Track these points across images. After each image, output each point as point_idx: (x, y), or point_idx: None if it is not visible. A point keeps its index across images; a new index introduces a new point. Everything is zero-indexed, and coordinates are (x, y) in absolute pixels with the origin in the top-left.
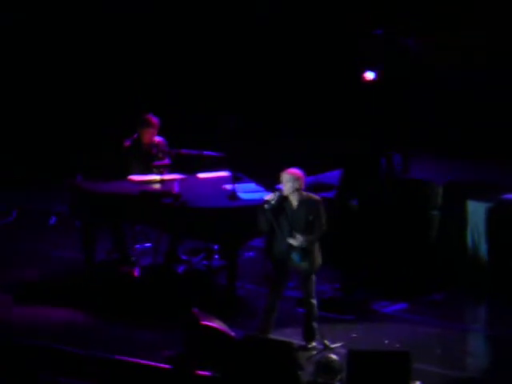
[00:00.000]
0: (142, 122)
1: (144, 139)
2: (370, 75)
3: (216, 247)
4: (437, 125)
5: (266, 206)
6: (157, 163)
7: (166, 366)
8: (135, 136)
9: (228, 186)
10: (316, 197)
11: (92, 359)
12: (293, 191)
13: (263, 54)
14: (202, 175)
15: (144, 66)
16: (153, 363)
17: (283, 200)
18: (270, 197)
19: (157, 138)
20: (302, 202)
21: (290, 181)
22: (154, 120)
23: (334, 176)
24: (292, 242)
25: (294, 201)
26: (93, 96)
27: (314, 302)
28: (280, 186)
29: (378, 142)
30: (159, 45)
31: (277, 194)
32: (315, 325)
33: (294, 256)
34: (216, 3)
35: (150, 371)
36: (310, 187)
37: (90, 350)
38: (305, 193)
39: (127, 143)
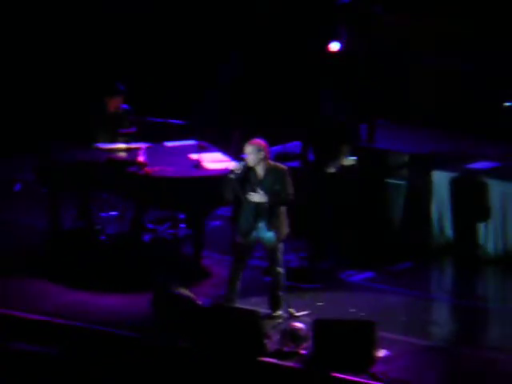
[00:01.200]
0: (108, 89)
1: (110, 107)
2: (335, 46)
3: (182, 216)
4: (402, 95)
5: (231, 175)
6: (122, 131)
7: (131, 334)
8: (101, 103)
9: (194, 155)
10: (282, 166)
11: (54, 324)
12: (258, 162)
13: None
14: (168, 144)
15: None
16: (117, 331)
17: (249, 170)
18: (235, 166)
19: (123, 106)
20: (268, 171)
21: (253, 152)
22: (121, 88)
23: (293, 146)
24: (253, 197)
25: (260, 171)
26: (58, 60)
27: (281, 270)
28: (246, 155)
29: (346, 111)
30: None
31: (242, 163)
32: (281, 293)
33: (261, 225)
34: None
35: (114, 338)
36: (277, 157)
37: (54, 316)
38: (271, 162)
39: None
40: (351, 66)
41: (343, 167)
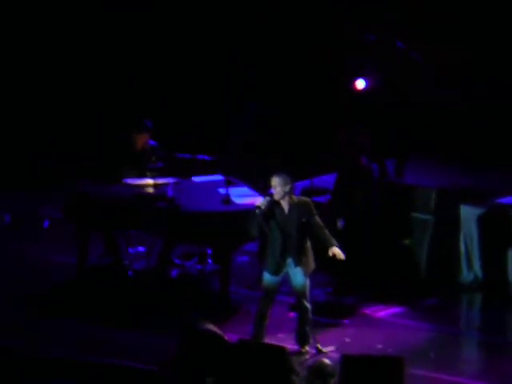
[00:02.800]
0: (135, 126)
1: (138, 144)
2: (361, 84)
3: (209, 251)
4: (430, 131)
5: (256, 211)
6: (150, 167)
7: (157, 370)
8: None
9: (221, 190)
10: (306, 198)
11: (85, 363)
12: (283, 195)
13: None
14: (195, 179)
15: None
16: (147, 367)
17: (274, 205)
18: (260, 202)
19: (150, 142)
20: (294, 205)
21: (280, 184)
22: (148, 124)
23: (327, 180)
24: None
25: (285, 205)
26: (83, 97)
27: (308, 306)
28: (271, 190)
29: (371, 148)
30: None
31: (268, 199)
32: (308, 329)
33: (289, 261)
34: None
35: (143, 375)
36: (303, 191)
37: (83, 354)
38: (295, 196)
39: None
40: (377, 103)
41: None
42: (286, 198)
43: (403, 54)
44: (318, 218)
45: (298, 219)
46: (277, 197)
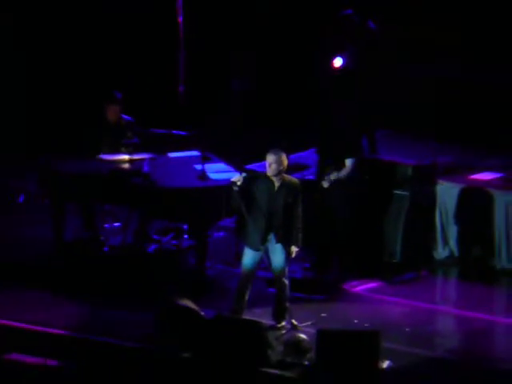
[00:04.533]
0: (105, 97)
1: (109, 116)
2: (338, 61)
3: (185, 227)
4: (404, 106)
5: (233, 187)
6: (126, 142)
7: (133, 345)
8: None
9: (197, 166)
10: (296, 180)
11: (56, 336)
12: (277, 173)
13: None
14: (171, 155)
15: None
16: (121, 342)
17: (250, 181)
18: (235, 179)
19: (125, 117)
20: (284, 184)
21: (276, 162)
22: (118, 96)
23: (304, 156)
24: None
25: (276, 182)
26: (56, 71)
27: (286, 282)
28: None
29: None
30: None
31: (244, 174)
32: (286, 305)
33: (271, 236)
34: None
35: (119, 350)
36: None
37: (59, 328)
38: (286, 176)
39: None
40: (352, 79)
41: (336, 181)
42: (279, 176)
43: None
44: (299, 205)
45: (285, 198)
46: (270, 173)
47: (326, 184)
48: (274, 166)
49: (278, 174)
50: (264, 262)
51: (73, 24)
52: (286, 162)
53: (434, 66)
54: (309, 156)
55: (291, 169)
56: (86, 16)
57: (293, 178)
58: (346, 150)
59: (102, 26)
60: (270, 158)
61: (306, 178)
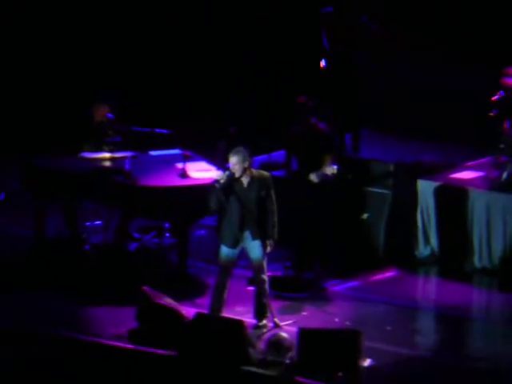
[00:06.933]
0: (95, 97)
1: (97, 116)
2: (322, 63)
3: (167, 225)
4: (385, 105)
5: (216, 185)
6: (107, 140)
7: (114, 343)
8: (88, 112)
9: (179, 165)
10: (266, 173)
11: (42, 335)
12: (243, 171)
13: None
14: (153, 153)
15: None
16: (103, 341)
17: (233, 179)
18: (219, 176)
19: (107, 115)
20: (253, 179)
21: (238, 162)
22: (108, 96)
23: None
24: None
25: (245, 179)
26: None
27: (265, 278)
28: (230, 167)
29: (331, 121)
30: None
31: (227, 173)
32: (266, 301)
33: (247, 234)
34: None
35: (101, 348)
36: (262, 166)
37: (41, 327)
38: (255, 170)
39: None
40: (336, 78)
41: (326, 176)
42: (246, 173)
43: (364, 27)
44: (273, 197)
45: (257, 193)
46: (236, 174)
47: (315, 179)
48: (237, 167)
49: (244, 171)
50: (244, 260)
51: (58, 21)
52: (249, 159)
53: (418, 65)
54: (279, 156)
55: (273, 167)
56: (72, 14)
57: (262, 172)
58: (324, 146)
59: (87, 23)
60: (232, 160)
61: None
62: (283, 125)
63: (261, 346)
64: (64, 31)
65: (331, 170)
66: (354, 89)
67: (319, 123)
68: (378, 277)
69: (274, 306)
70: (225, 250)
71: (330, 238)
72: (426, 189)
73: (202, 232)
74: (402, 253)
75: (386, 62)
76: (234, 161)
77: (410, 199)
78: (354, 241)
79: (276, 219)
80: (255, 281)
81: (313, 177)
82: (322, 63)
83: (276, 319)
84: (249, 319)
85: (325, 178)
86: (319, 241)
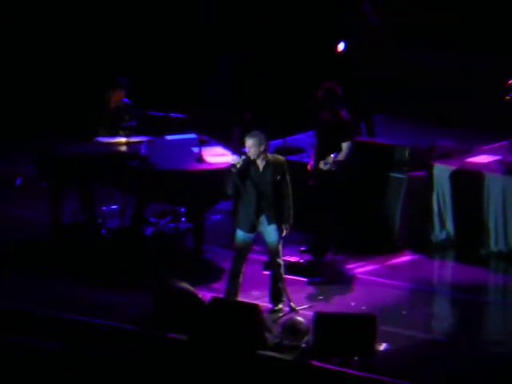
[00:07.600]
0: (110, 83)
1: (112, 101)
2: (340, 46)
3: (183, 210)
4: (401, 90)
5: (232, 169)
6: (123, 125)
7: (131, 327)
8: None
9: (195, 149)
10: (281, 157)
11: (58, 319)
12: (258, 155)
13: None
14: (169, 137)
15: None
16: (119, 324)
17: (249, 163)
18: (236, 160)
19: (123, 100)
20: (268, 163)
21: (254, 145)
22: (123, 81)
23: (301, 139)
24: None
25: (260, 163)
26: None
27: (281, 262)
28: (246, 150)
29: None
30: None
31: (243, 157)
32: (282, 286)
33: (263, 219)
34: None
35: (117, 332)
36: (277, 151)
37: (58, 311)
38: (270, 154)
39: None
40: (351, 63)
41: (335, 163)
42: (261, 157)
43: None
44: (288, 181)
45: (272, 177)
46: (252, 157)
47: (325, 166)
48: (253, 150)
49: (260, 155)
50: (260, 245)
51: (73, 7)
52: (265, 143)
53: (433, 51)
54: (305, 139)
55: (288, 151)
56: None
57: (278, 156)
58: (343, 134)
59: (100, 10)
60: (248, 143)
61: (303, 160)
62: (305, 110)
63: (277, 330)
64: (81, 17)
65: (329, 159)
66: (370, 72)
67: (341, 110)
68: (394, 261)
69: (290, 290)
70: (241, 235)
71: (346, 221)
72: (441, 173)
73: (218, 217)
74: (417, 237)
75: (400, 47)
76: (250, 143)
77: (425, 183)
78: (369, 225)
79: (291, 203)
80: (271, 265)
81: (321, 164)
82: (341, 47)
83: (292, 303)
84: (264, 303)
85: (330, 167)
86: (335, 225)
